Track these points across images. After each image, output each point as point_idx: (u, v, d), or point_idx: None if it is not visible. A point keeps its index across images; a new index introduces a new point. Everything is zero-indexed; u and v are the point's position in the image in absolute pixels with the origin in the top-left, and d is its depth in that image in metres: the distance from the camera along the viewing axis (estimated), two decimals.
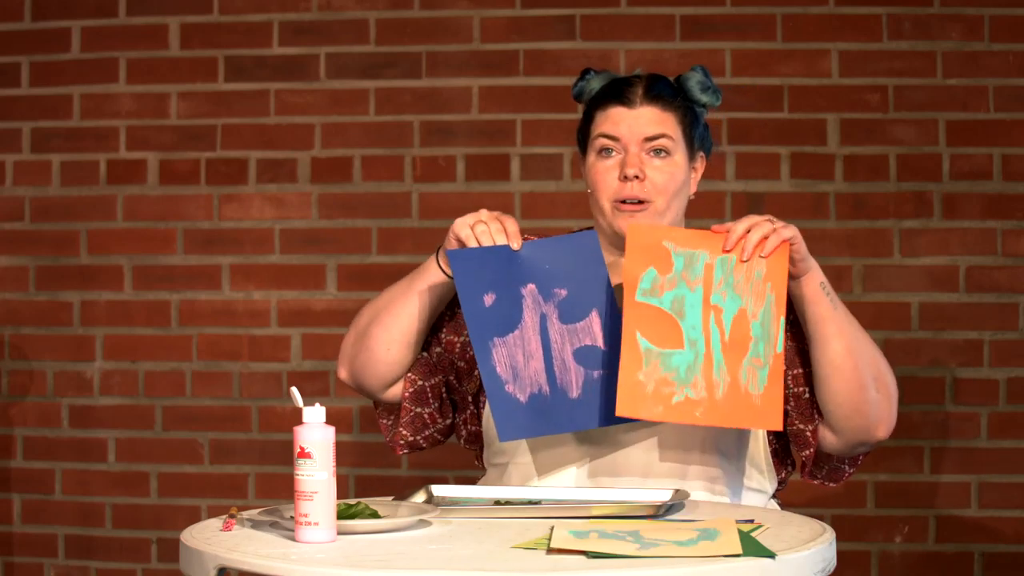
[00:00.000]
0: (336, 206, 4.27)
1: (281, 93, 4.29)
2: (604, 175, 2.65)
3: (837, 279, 4.10)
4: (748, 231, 2.52)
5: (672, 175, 2.63)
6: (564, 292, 2.57)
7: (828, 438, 2.64)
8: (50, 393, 4.35)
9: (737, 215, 4.14)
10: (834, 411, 2.60)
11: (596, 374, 2.55)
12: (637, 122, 2.63)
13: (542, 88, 4.22)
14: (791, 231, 2.51)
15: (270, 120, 4.29)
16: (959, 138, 4.11)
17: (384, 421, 2.80)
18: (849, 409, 2.58)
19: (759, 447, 2.67)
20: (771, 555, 2.06)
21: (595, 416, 2.54)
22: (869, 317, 4.10)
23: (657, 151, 2.63)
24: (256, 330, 4.29)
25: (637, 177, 2.61)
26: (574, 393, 2.55)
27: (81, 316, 4.34)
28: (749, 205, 4.15)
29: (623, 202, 2.63)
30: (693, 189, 2.71)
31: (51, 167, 4.35)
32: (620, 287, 2.64)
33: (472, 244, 2.55)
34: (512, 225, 2.57)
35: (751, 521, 2.32)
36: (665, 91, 2.66)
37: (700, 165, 2.72)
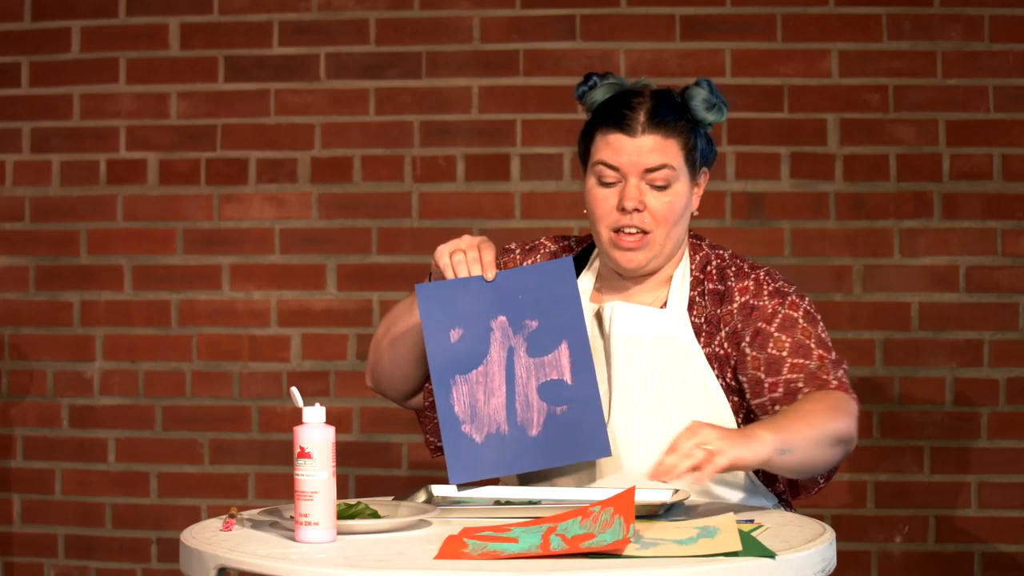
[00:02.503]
0: (336, 206, 4.27)
1: (281, 93, 4.29)
2: (603, 203, 2.61)
3: (837, 279, 4.11)
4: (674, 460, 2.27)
5: (672, 204, 2.60)
6: (535, 323, 2.54)
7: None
8: (50, 393, 4.35)
9: (737, 215, 4.14)
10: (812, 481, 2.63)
11: (559, 410, 2.52)
12: (638, 152, 2.58)
13: (542, 88, 4.21)
14: (726, 458, 2.26)
15: (270, 120, 4.29)
16: (959, 138, 4.11)
17: (422, 424, 2.82)
18: (819, 473, 2.59)
19: (738, 474, 2.64)
20: (771, 555, 2.06)
21: (553, 455, 2.51)
22: (869, 317, 4.10)
23: (659, 187, 2.59)
24: (256, 330, 4.29)
25: (637, 210, 2.59)
26: (534, 431, 2.52)
27: (81, 316, 4.34)
28: (749, 205, 4.14)
29: (621, 230, 2.60)
30: (696, 205, 2.67)
31: (51, 167, 4.35)
32: (597, 314, 2.63)
33: (448, 274, 2.54)
34: (488, 254, 2.54)
35: (751, 521, 2.32)
36: (668, 116, 2.60)
37: (703, 180, 2.68)
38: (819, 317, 2.63)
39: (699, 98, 2.64)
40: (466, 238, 2.57)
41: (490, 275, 2.53)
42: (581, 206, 4.18)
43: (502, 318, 2.53)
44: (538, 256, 2.75)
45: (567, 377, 2.52)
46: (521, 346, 2.53)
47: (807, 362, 2.56)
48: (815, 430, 2.45)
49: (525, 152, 4.23)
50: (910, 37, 4.12)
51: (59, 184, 4.35)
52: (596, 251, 2.74)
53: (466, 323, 2.52)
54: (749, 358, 2.57)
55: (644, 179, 2.59)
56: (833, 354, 2.60)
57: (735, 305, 2.61)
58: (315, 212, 4.28)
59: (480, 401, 2.51)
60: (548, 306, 2.53)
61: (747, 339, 2.58)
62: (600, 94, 2.67)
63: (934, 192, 4.12)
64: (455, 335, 2.52)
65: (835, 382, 2.55)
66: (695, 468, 2.26)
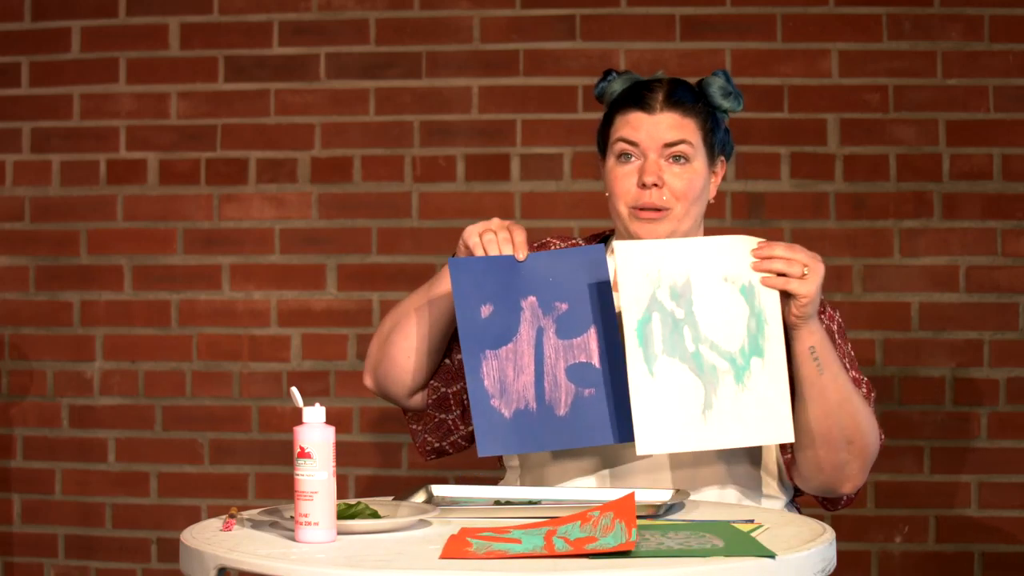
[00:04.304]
0: (336, 206, 4.27)
1: (281, 93, 4.29)
2: (622, 180, 2.63)
3: (837, 279, 4.11)
4: (780, 257, 2.46)
5: (691, 181, 2.62)
6: (565, 306, 2.55)
7: (796, 475, 2.63)
8: (50, 393, 4.35)
9: (737, 215, 4.14)
10: (802, 462, 2.59)
11: (587, 392, 2.53)
12: (656, 128, 2.61)
13: (542, 88, 4.22)
14: (805, 287, 2.44)
15: (270, 120, 4.30)
16: (959, 138, 4.11)
17: (413, 426, 2.81)
18: (815, 465, 2.57)
19: (771, 453, 2.65)
20: (771, 555, 2.06)
21: (580, 435, 2.52)
22: (869, 317, 4.11)
23: (676, 157, 2.61)
24: (256, 330, 4.29)
25: (656, 185, 2.60)
26: (561, 411, 2.53)
27: (81, 316, 4.34)
28: (749, 205, 4.15)
29: (641, 209, 2.62)
30: (713, 193, 2.69)
31: (51, 167, 4.35)
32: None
33: (479, 253, 2.54)
34: (520, 235, 2.55)
35: (751, 521, 2.32)
36: (686, 96, 2.64)
37: (720, 169, 2.70)
38: (846, 332, 2.70)
39: (715, 85, 2.69)
40: (496, 220, 2.58)
41: (521, 255, 2.54)
42: (581, 206, 4.20)
43: (532, 298, 2.54)
44: None
45: (595, 361, 2.53)
46: (550, 327, 2.54)
47: None
48: (848, 391, 2.52)
49: (525, 152, 4.23)
50: (910, 37, 4.13)
51: (59, 184, 4.35)
52: (609, 245, 2.74)
53: (496, 300, 2.53)
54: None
55: (663, 155, 2.61)
56: (863, 376, 2.65)
57: None
58: (315, 212, 4.28)
59: (510, 377, 2.52)
60: (579, 290, 2.54)
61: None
62: (618, 85, 2.71)
63: (934, 192, 4.12)
64: (485, 311, 2.53)
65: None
66: (782, 275, 2.44)
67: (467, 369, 2.51)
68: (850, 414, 2.53)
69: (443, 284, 2.64)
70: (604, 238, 2.78)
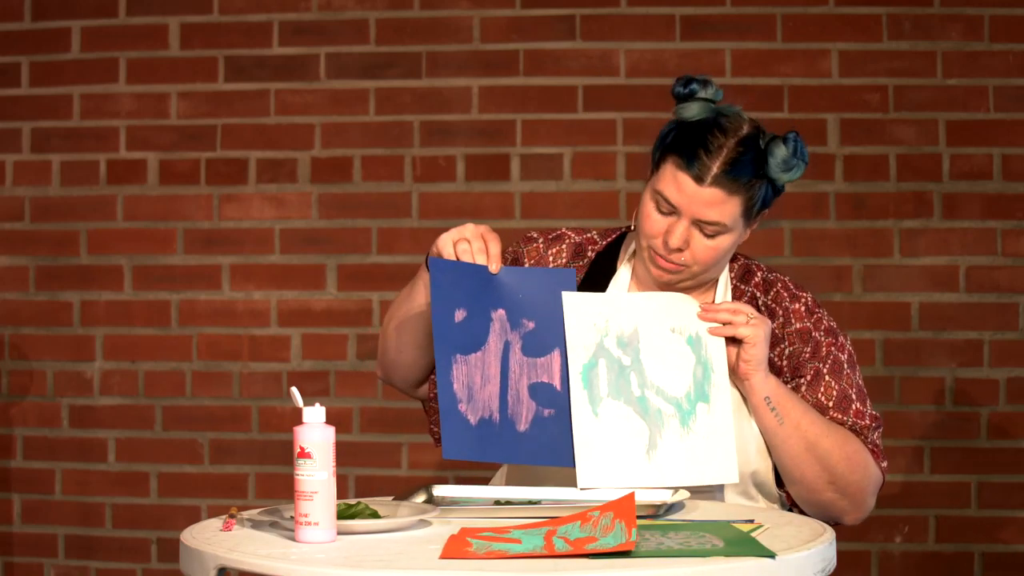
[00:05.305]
0: (336, 206, 4.27)
1: (281, 93, 4.29)
2: (652, 223, 2.58)
3: (837, 279, 4.11)
4: (726, 310, 2.55)
5: (715, 250, 2.58)
6: (532, 324, 2.56)
7: (797, 508, 2.65)
8: (50, 393, 4.35)
9: None
10: (794, 497, 2.63)
11: (547, 412, 2.54)
12: (698, 201, 2.53)
13: (542, 88, 4.22)
14: (751, 331, 2.52)
15: (270, 120, 4.29)
16: (959, 138, 4.11)
17: (426, 409, 2.83)
18: (804, 502, 2.61)
19: (768, 466, 2.64)
20: (771, 555, 2.06)
21: (538, 454, 2.53)
22: (869, 317, 4.10)
23: (707, 234, 2.56)
24: (256, 330, 4.29)
25: (679, 249, 2.57)
26: (522, 426, 2.53)
27: (81, 316, 4.34)
28: None
29: (659, 255, 2.59)
30: (745, 239, 2.64)
31: (51, 167, 4.35)
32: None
33: None
34: (495, 247, 2.54)
35: (751, 521, 2.32)
36: (742, 174, 2.55)
37: (759, 220, 2.65)
38: (856, 360, 2.69)
39: (779, 157, 2.61)
40: (469, 227, 2.57)
41: (494, 268, 2.54)
42: (581, 206, 4.20)
43: (502, 311, 2.55)
44: (563, 246, 2.75)
45: (556, 383, 2.54)
46: (517, 343, 2.55)
47: (844, 417, 2.62)
48: (814, 437, 2.55)
49: (525, 152, 4.23)
50: (910, 37, 4.13)
51: (59, 184, 4.35)
52: (627, 247, 2.72)
53: (470, 307, 2.54)
54: (801, 395, 2.62)
55: (694, 223, 2.56)
56: (869, 406, 2.65)
57: (793, 328, 2.65)
58: (315, 212, 4.28)
59: (477, 384, 2.53)
60: (547, 311, 2.56)
61: (808, 377, 2.63)
62: (694, 111, 2.60)
63: (934, 192, 4.12)
64: (459, 315, 2.53)
65: (870, 445, 2.63)
66: (728, 324, 2.53)
67: (438, 370, 2.51)
68: (819, 459, 2.55)
69: (422, 283, 2.64)
70: (621, 235, 2.77)
